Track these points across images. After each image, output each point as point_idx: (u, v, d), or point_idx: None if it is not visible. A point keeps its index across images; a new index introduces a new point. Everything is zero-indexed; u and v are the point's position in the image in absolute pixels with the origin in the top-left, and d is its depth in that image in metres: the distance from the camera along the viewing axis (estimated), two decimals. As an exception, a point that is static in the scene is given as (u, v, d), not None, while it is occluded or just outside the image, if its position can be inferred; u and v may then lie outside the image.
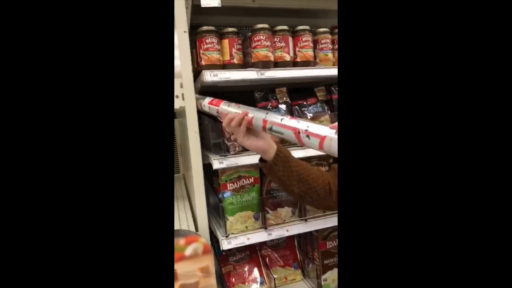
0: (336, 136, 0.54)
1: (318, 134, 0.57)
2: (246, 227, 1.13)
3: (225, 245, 1.07)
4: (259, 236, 1.11)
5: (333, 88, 1.25)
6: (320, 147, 0.57)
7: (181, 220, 1.09)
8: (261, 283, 1.25)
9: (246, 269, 1.28)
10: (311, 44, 1.12)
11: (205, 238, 0.91)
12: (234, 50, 1.05)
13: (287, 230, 1.14)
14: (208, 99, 0.95)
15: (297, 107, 1.21)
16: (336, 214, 1.16)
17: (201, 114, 1.10)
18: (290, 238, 1.39)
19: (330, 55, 1.17)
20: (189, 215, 1.13)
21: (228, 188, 1.12)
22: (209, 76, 0.96)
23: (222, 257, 1.29)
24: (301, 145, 0.63)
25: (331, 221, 1.19)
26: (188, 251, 0.85)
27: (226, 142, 1.07)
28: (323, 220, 1.18)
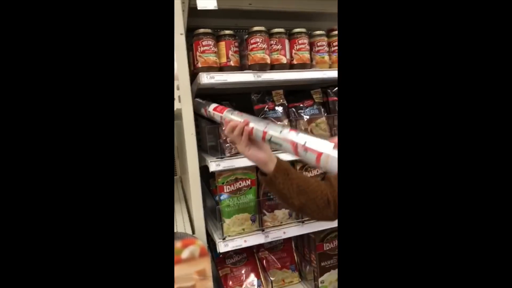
0: (333, 154, 0.53)
1: (316, 149, 0.56)
2: (243, 229, 1.13)
3: (222, 247, 1.07)
4: (256, 238, 1.11)
5: (329, 91, 1.26)
6: (317, 163, 0.56)
7: (178, 222, 1.09)
8: (259, 286, 1.25)
9: (243, 271, 1.27)
10: (308, 47, 1.12)
11: (201, 240, 0.91)
12: (230, 52, 1.05)
13: (284, 232, 1.14)
14: (213, 105, 0.95)
15: (293, 109, 1.21)
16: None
17: (197, 116, 1.10)
18: (287, 240, 1.38)
19: (326, 57, 1.18)
20: (185, 217, 1.13)
21: (225, 190, 1.11)
22: (206, 78, 0.96)
23: (219, 260, 1.28)
24: (300, 158, 0.62)
25: (328, 223, 1.18)
26: (185, 254, 0.84)
27: (222, 144, 1.07)
28: (320, 222, 1.17)
